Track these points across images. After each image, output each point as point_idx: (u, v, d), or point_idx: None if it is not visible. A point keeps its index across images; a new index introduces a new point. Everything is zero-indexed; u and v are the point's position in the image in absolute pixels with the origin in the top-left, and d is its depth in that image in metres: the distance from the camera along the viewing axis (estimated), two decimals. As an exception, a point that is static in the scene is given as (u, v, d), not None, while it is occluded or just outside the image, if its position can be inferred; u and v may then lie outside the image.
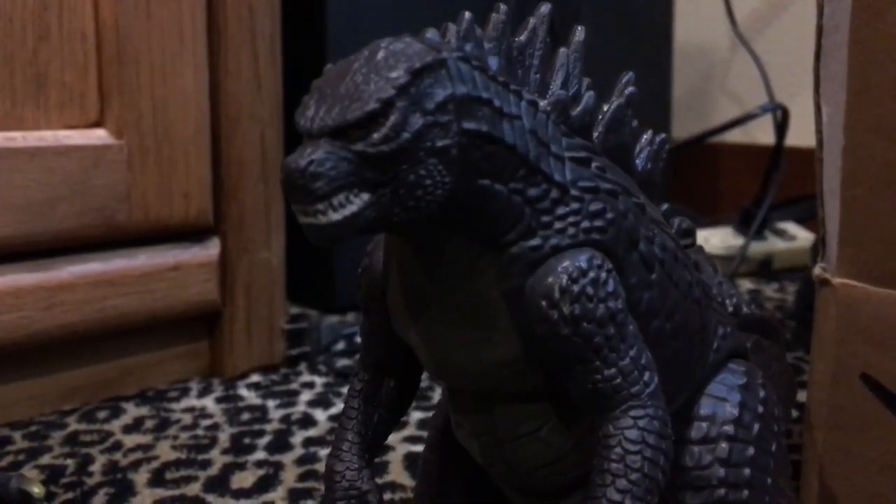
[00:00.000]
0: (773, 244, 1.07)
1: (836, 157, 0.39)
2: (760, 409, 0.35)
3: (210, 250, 0.70)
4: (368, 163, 0.26)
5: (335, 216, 0.26)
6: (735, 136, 1.24)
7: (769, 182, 1.06)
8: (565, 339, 0.29)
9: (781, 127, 1.06)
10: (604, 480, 0.29)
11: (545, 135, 0.30)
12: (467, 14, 0.30)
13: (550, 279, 0.29)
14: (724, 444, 0.34)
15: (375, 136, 0.26)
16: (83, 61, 0.63)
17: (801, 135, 1.05)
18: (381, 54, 0.27)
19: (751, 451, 0.34)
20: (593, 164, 0.31)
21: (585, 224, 0.30)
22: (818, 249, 0.41)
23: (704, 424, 0.34)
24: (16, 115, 0.60)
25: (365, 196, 0.26)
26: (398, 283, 0.32)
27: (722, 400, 0.35)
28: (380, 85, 0.26)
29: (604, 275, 0.29)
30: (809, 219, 1.09)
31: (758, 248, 1.05)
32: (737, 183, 1.28)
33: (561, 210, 0.30)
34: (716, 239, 1.06)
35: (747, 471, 0.34)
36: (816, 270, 0.40)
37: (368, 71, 0.27)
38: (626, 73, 0.34)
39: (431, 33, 0.29)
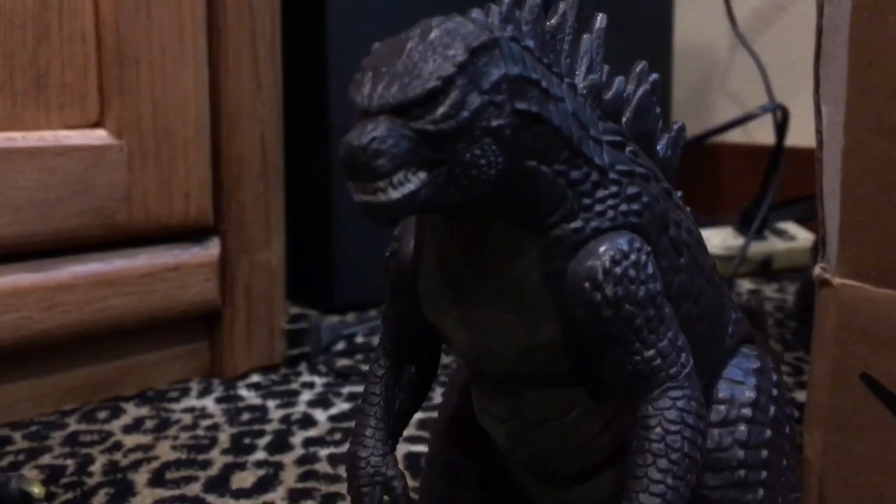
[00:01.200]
0: (773, 244, 1.07)
1: (835, 157, 0.39)
2: (775, 392, 0.36)
3: (210, 250, 0.70)
4: (428, 141, 0.26)
5: (395, 194, 0.26)
6: (735, 137, 1.24)
7: (769, 182, 1.06)
8: (608, 320, 0.29)
9: (781, 127, 1.06)
10: (644, 460, 0.30)
11: (585, 118, 0.30)
12: None
13: (593, 261, 0.29)
14: (742, 427, 0.34)
15: (437, 113, 0.26)
16: (83, 61, 0.63)
17: (801, 135, 1.05)
18: (435, 33, 0.27)
19: (768, 433, 0.35)
20: (627, 149, 0.32)
21: (623, 207, 0.30)
22: (818, 249, 0.41)
23: (723, 407, 0.34)
24: (16, 116, 0.60)
25: (422, 174, 0.26)
26: (433, 267, 0.32)
27: (739, 383, 0.35)
28: (439, 63, 0.26)
29: (643, 257, 0.30)
30: (809, 219, 1.09)
31: (758, 248, 1.05)
32: (737, 183, 1.28)
33: (601, 193, 0.30)
34: (716, 239, 1.06)
35: (765, 452, 0.34)
36: (816, 270, 0.40)
37: (425, 49, 0.26)
38: (638, 62, 0.35)
39: (476, 13, 0.30)
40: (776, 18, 1.26)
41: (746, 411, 0.34)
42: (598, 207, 0.30)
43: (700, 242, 0.35)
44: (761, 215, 1.05)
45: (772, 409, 0.35)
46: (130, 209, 0.64)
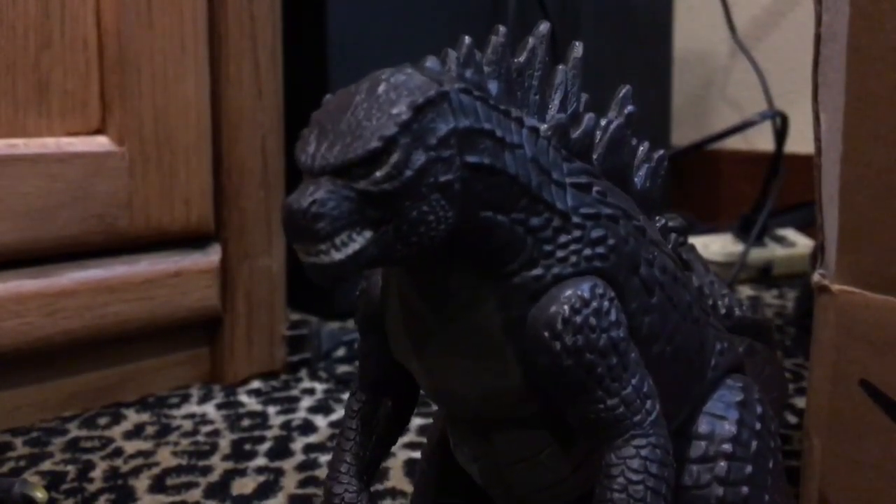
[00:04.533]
0: (773, 251, 1.07)
1: (834, 164, 0.39)
2: (758, 425, 0.35)
3: (211, 257, 0.70)
4: (371, 201, 0.26)
5: (338, 255, 0.26)
6: (735, 143, 1.25)
7: (769, 189, 1.06)
8: (568, 369, 0.29)
9: (781, 134, 1.06)
10: None
11: (546, 162, 0.30)
12: (467, 39, 0.29)
13: (553, 309, 0.29)
14: (722, 463, 0.34)
15: (378, 174, 0.26)
16: (85, 69, 0.63)
17: (800, 142, 1.05)
18: (381, 87, 0.26)
19: (749, 468, 0.34)
20: (594, 189, 0.31)
21: (587, 252, 0.30)
22: (817, 256, 0.41)
23: (703, 443, 0.34)
24: (18, 123, 0.60)
25: (367, 234, 0.26)
26: (398, 311, 0.31)
27: (720, 418, 0.35)
28: (382, 121, 0.26)
29: (606, 304, 0.29)
30: (809, 225, 1.09)
31: (757, 254, 1.05)
32: (736, 190, 1.28)
33: (563, 238, 0.30)
34: (715, 245, 1.06)
35: (745, 489, 0.34)
36: (815, 277, 0.40)
37: (370, 106, 0.26)
38: (623, 86, 0.34)
39: (431, 62, 0.29)
40: (775, 26, 1.27)
41: (727, 447, 0.34)
42: (560, 253, 0.29)
43: (676, 279, 0.34)
44: (761, 222, 1.05)
45: (754, 443, 0.35)
46: (132, 216, 0.65)
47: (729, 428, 0.34)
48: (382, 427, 0.36)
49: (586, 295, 0.29)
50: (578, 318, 0.29)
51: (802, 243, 1.09)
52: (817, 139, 0.40)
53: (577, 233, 0.30)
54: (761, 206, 1.06)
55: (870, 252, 0.38)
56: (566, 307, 0.29)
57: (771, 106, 1.08)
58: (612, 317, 0.29)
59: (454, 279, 0.29)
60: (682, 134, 1.30)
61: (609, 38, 1.08)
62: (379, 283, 0.33)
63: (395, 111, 0.26)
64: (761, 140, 1.22)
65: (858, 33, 0.38)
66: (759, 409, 0.36)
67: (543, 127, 0.30)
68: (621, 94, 0.34)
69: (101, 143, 0.64)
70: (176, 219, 0.67)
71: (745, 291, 1.01)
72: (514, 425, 0.32)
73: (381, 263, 0.27)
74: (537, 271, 0.29)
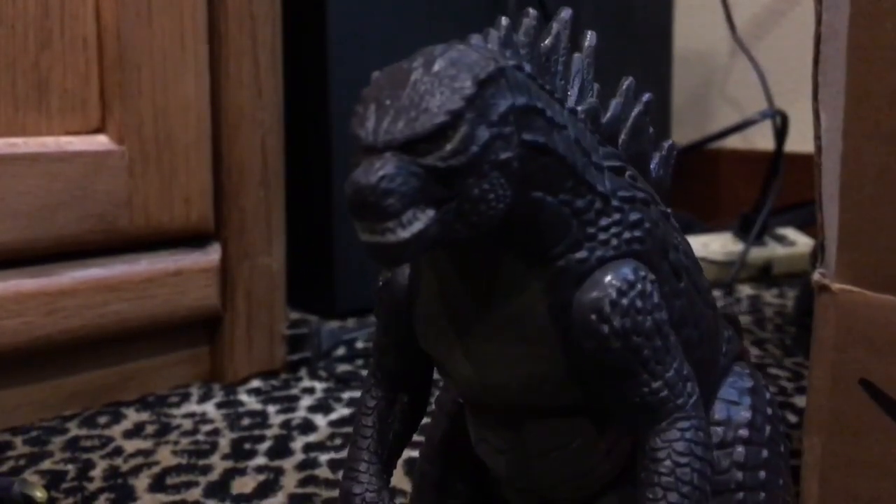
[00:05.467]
0: (773, 250, 1.07)
1: (834, 163, 0.39)
2: (769, 410, 0.36)
3: (211, 256, 0.70)
4: (436, 177, 0.25)
5: (404, 234, 0.25)
6: (735, 142, 1.25)
7: (769, 188, 1.06)
8: (615, 352, 0.29)
9: (781, 133, 1.06)
10: (655, 494, 0.29)
11: (587, 143, 0.30)
12: (504, 20, 0.29)
13: (599, 293, 0.28)
14: (740, 448, 0.34)
15: (446, 149, 0.25)
16: (85, 68, 0.63)
17: (800, 141, 1.05)
18: (439, 63, 0.26)
19: (765, 453, 0.34)
20: (627, 174, 0.31)
21: (627, 235, 0.30)
22: (817, 255, 0.41)
23: (720, 429, 0.34)
24: (17, 121, 0.60)
25: (431, 212, 0.25)
26: (432, 299, 0.31)
27: (735, 404, 0.35)
28: (447, 96, 0.25)
29: (649, 286, 0.29)
30: (809, 224, 1.09)
31: (757, 253, 1.05)
32: (736, 189, 1.28)
33: (604, 221, 0.29)
34: (715, 245, 1.06)
35: (763, 473, 0.34)
36: (815, 276, 0.40)
37: (431, 81, 0.26)
38: (625, 78, 0.34)
39: (476, 39, 0.29)
40: (775, 25, 1.27)
41: (743, 432, 0.34)
42: (602, 236, 0.29)
43: (696, 264, 0.34)
44: (761, 221, 1.05)
45: (767, 428, 0.35)
46: (131, 215, 0.65)
47: (744, 414, 0.35)
48: (399, 422, 0.35)
49: (631, 277, 0.29)
50: (625, 301, 0.29)
51: (802, 242, 1.09)
52: (817, 138, 0.40)
53: (616, 216, 0.30)
54: (761, 205, 1.06)
55: (870, 251, 0.38)
56: (612, 290, 0.28)
57: (771, 105, 1.08)
58: (655, 299, 0.29)
59: (500, 263, 0.29)
60: (682, 133, 1.30)
61: (609, 37, 1.07)
62: (406, 273, 0.32)
63: (458, 85, 0.25)
64: (761, 139, 1.22)
65: (859, 32, 0.38)
66: (767, 395, 0.36)
67: (580, 109, 0.30)
68: (625, 86, 0.33)
69: (100, 142, 0.64)
70: (176, 218, 0.67)
71: (746, 291, 1.01)
72: (547, 414, 0.32)
73: (441, 244, 0.26)
74: (582, 254, 0.29)
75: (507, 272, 0.29)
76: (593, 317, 0.28)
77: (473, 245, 0.28)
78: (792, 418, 0.61)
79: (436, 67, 0.26)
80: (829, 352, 0.40)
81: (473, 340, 0.30)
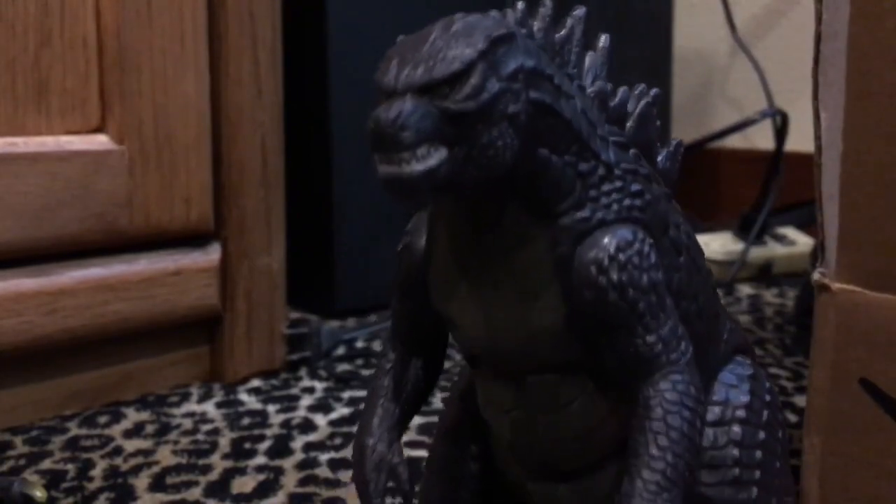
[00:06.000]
0: (773, 249, 1.07)
1: (834, 162, 0.39)
2: (768, 397, 0.37)
3: (211, 255, 0.70)
4: (450, 119, 0.28)
5: (418, 167, 0.27)
6: (735, 142, 1.25)
7: (769, 187, 1.06)
8: (612, 304, 0.31)
9: (781, 132, 1.06)
10: (645, 438, 0.31)
11: (593, 116, 0.32)
12: (521, 4, 0.32)
13: (599, 248, 0.31)
14: (737, 427, 0.35)
15: (460, 94, 0.27)
16: (85, 67, 0.63)
17: (800, 140, 1.05)
18: (457, 25, 0.29)
19: (762, 434, 0.35)
20: (630, 151, 0.33)
21: (628, 202, 0.32)
22: (817, 254, 0.41)
23: (718, 408, 0.35)
24: (17, 121, 0.60)
25: (443, 151, 0.28)
26: (445, 256, 0.33)
27: (733, 387, 0.36)
28: (462, 49, 0.28)
29: (646, 248, 0.31)
30: (809, 224, 1.09)
31: (757, 253, 1.05)
32: (736, 188, 1.28)
33: (606, 186, 0.31)
34: (715, 244, 1.06)
35: (759, 453, 0.35)
36: (815, 275, 0.40)
37: (448, 38, 0.28)
38: (637, 85, 0.36)
39: (494, 13, 0.31)
40: (775, 24, 1.27)
41: (741, 413, 0.35)
42: (604, 200, 0.31)
43: (698, 247, 0.36)
44: (761, 220, 1.05)
45: (765, 413, 0.36)
46: (131, 214, 0.65)
47: (742, 397, 0.36)
48: (413, 385, 0.37)
49: (629, 237, 0.31)
50: (623, 257, 0.31)
51: (802, 242, 1.09)
52: (817, 137, 0.40)
53: (618, 183, 0.32)
54: (761, 205, 1.06)
55: (870, 250, 0.38)
56: (612, 246, 0.31)
57: (771, 104, 1.08)
58: (653, 259, 0.31)
59: (508, 216, 0.31)
60: (682, 132, 1.30)
61: (609, 36, 1.07)
62: (423, 237, 0.34)
63: (472, 40, 0.28)
64: (761, 138, 1.22)
65: (859, 31, 0.38)
66: (767, 384, 0.37)
67: (589, 88, 0.33)
68: (638, 91, 0.35)
69: (100, 141, 0.64)
70: (176, 217, 0.67)
71: (746, 290, 1.01)
72: (551, 371, 0.33)
73: (451, 185, 0.28)
74: (584, 213, 0.31)
75: (514, 227, 0.31)
76: (593, 269, 0.31)
77: (483, 197, 0.30)
78: (792, 418, 0.61)
79: (453, 28, 0.29)
80: (829, 351, 0.40)
81: (480, 293, 0.32)
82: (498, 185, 0.30)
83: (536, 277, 0.31)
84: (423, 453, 0.56)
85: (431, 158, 0.27)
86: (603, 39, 0.35)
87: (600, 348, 0.32)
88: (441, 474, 0.39)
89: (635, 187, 0.32)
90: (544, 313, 0.31)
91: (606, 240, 0.31)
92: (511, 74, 0.29)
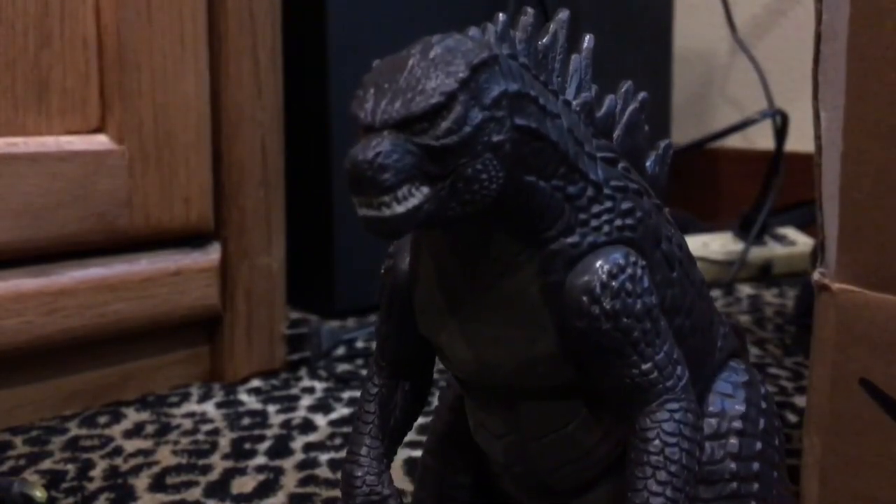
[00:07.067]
0: (773, 249, 1.07)
1: (834, 162, 0.39)
2: (763, 404, 0.36)
3: (211, 255, 0.70)
4: (431, 156, 0.26)
5: (399, 208, 0.26)
6: (735, 142, 1.25)
7: (769, 187, 1.06)
8: (605, 333, 0.30)
9: (781, 132, 1.06)
10: (644, 473, 0.30)
11: (580, 134, 0.31)
12: (502, 16, 0.31)
13: (590, 275, 0.30)
14: (733, 440, 0.34)
15: (440, 128, 0.26)
16: (85, 67, 0.63)
17: (800, 140, 1.05)
18: (436, 50, 0.27)
19: (758, 445, 0.35)
20: (619, 165, 0.32)
21: (618, 222, 0.31)
22: (817, 254, 0.41)
23: (714, 420, 0.35)
24: (17, 121, 0.60)
25: (426, 189, 0.26)
26: (431, 282, 0.32)
27: (729, 397, 0.36)
28: (441, 79, 0.26)
29: (639, 271, 0.30)
30: (809, 224, 1.09)
31: (757, 253, 1.05)
32: (736, 188, 1.28)
33: (596, 208, 0.31)
34: (715, 244, 1.06)
35: (756, 465, 0.34)
36: (815, 275, 0.40)
37: (427, 65, 0.27)
38: (624, 82, 0.35)
39: (473, 31, 0.30)
40: (775, 24, 1.27)
41: (737, 424, 0.35)
42: (594, 222, 0.30)
43: (690, 257, 0.35)
44: (761, 220, 1.05)
45: (761, 421, 0.35)
46: (131, 214, 0.65)
47: (738, 407, 0.35)
48: (400, 409, 0.36)
49: (621, 262, 0.30)
50: (615, 284, 0.30)
51: (802, 242, 1.09)
52: (817, 137, 0.40)
53: (608, 203, 0.31)
54: (761, 205, 1.06)
55: (870, 250, 0.38)
56: (604, 273, 0.30)
57: (771, 104, 1.08)
58: (645, 283, 0.30)
59: (495, 245, 0.30)
60: (682, 132, 1.30)
61: (609, 36, 1.07)
62: (407, 259, 0.33)
63: (453, 69, 0.27)
64: (761, 138, 1.22)
65: (859, 32, 0.38)
66: (762, 390, 0.37)
67: (574, 102, 0.32)
68: (623, 89, 0.35)
69: (100, 141, 0.64)
70: (176, 217, 0.67)
71: (745, 290, 1.01)
72: (543, 397, 0.32)
73: (435, 222, 0.27)
74: (574, 238, 0.30)
75: (501, 254, 0.30)
76: (584, 298, 0.29)
77: (469, 226, 0.29)
78: (792, 418, 0.61)
79: (432, 54, 0.27)
80: (829, 351, 0.40)
81: (467, 321, 0.31)
82: (484, 214, 0.28)
83: (526, 305, 0.30)
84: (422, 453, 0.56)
85: (413, 198, 0.26)
86: (587, 40, 0.34)
87: (593, 374, 0.31)
88: (432, 490, 0.39)
89: (626, 205, 0.31)
90: (535, 342, 0.31)
91: (597, 265, 0.30)
92: (494, 101, 0.27)
